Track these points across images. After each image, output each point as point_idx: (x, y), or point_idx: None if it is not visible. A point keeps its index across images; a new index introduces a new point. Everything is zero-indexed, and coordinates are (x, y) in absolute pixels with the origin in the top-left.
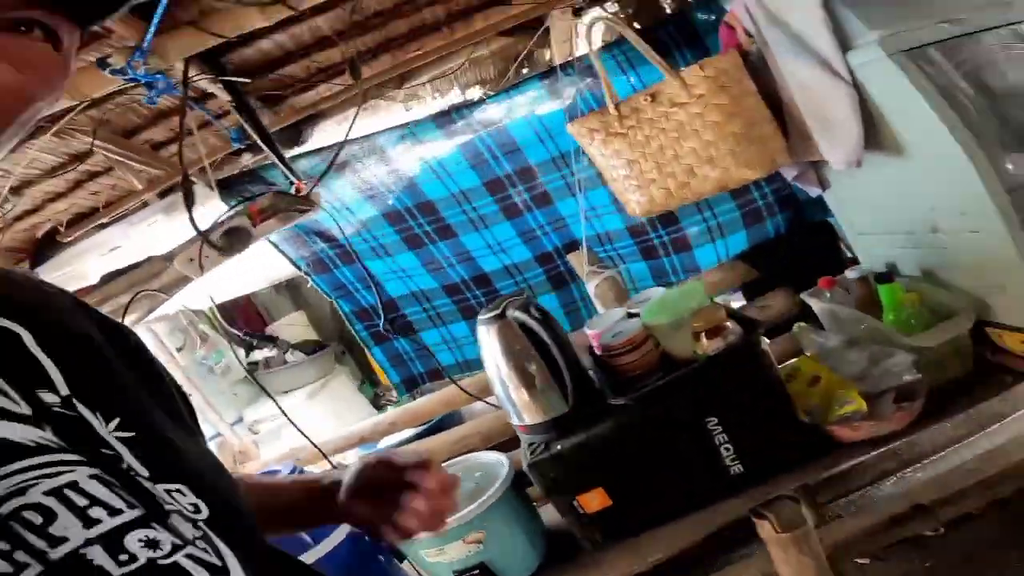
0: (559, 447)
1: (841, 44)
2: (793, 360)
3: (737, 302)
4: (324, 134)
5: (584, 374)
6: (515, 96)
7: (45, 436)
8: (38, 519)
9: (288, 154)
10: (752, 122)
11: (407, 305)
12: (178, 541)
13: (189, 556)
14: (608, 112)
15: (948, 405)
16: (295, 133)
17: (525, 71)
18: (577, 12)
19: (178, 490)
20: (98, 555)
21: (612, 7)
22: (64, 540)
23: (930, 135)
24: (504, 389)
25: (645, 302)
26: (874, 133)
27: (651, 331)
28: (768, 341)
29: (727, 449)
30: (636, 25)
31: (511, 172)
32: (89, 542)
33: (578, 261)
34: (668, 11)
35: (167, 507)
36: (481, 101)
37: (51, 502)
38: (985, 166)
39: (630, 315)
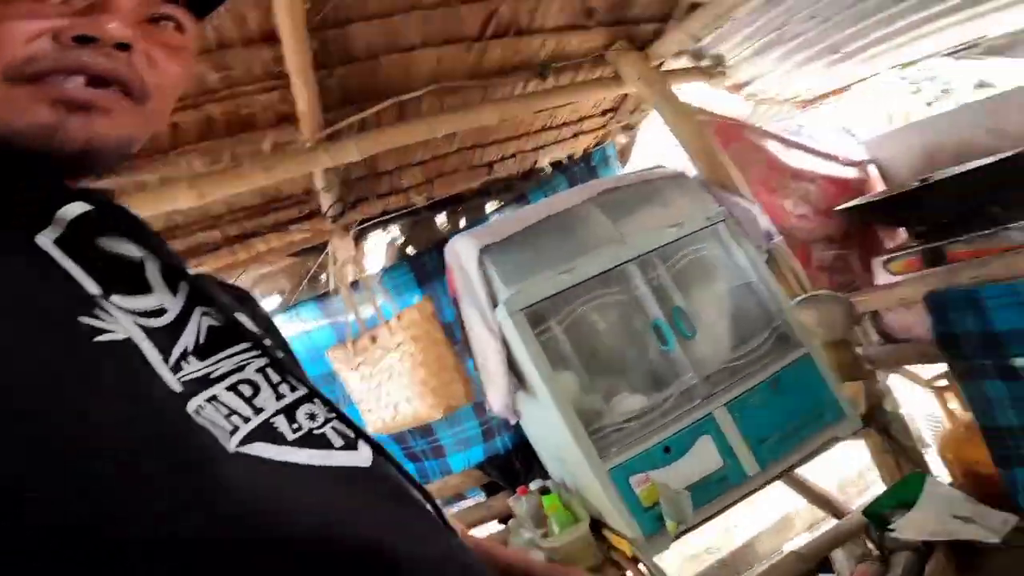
0: None
1: (492, 299)
2: None
3: (478, 499)
4: None
5: None
6: (292, 315)
7: (253, 327)
8: (249, 391)
9: None
10: (437, 370)
11: None
12: (328, 415)
13: (333, 429)
14: (347, 348)
15: None
16: None
17: (323, 279)
18: (357, 239)
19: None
20: (281, 423)
21: (394, 230)
22: (262, 410)
23: (540, 389)
24: None
25: None
26: (522, 378)
27: None
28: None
29: None
30: (410, 250)
31: None
32: (277, 412)
33: None
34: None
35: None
36: None
37: (258, 378)
38: (574, 421)
39: None
